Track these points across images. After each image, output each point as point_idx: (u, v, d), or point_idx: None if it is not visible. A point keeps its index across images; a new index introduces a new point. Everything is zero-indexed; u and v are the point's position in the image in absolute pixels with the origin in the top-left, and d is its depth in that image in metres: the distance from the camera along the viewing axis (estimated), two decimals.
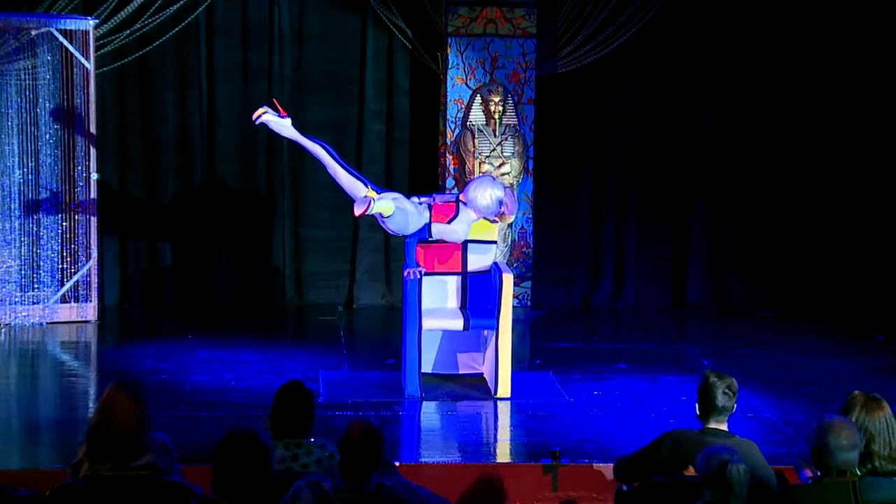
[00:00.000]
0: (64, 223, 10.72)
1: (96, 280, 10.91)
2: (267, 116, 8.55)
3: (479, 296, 8.94)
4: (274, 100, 8.73)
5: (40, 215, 10.66)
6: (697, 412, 5.54)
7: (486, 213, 8.62)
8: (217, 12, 11.68)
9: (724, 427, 5.48)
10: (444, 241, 8.77)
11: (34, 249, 10.66)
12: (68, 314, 10.79)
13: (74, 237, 10.76)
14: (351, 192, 8.57)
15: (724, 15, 11.94)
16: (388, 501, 4.67)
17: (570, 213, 12.19)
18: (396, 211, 8.34)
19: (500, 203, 8.58)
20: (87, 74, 10.69)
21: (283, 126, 8.62)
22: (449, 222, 8.57)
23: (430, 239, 8.67)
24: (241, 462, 4.37)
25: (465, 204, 8.63)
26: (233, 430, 4.49)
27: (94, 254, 10.86)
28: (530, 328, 11.09)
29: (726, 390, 5.47)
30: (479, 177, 8.74)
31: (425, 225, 8.55)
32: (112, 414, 4.67)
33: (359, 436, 4.73)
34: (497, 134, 11.52)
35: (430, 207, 8.58)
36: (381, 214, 8.34)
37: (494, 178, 8.84)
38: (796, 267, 12.19)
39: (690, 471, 5.30)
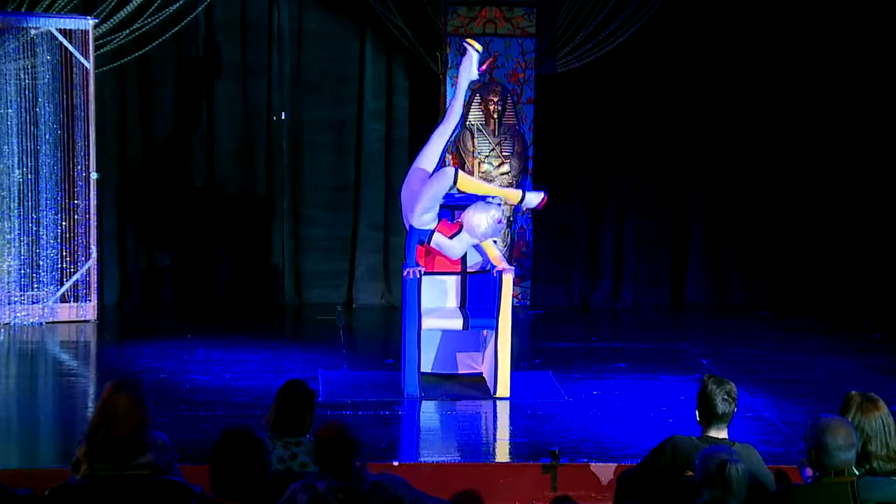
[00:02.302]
0: (63, 223, 10.72)
1: (96, 279, 10.91)
2: (474, 53, 8.42)
3: (478, 295, 8.95)
4: (494, 54, 8.50)
5: (40, 215, 10.66)
6: (698, 418, 5.53)
7: (487, 237, 8.61)
8: (216, 12, 11.69)
9: (724, 434, 5.46)
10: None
11: (34, 249, 10.67)
12: (68, 314, 10.80)
13: (74, 237, 10.76)
14: (423, 163, 8.50)
15: (722, 14, 11.95)
16: (384, 499, 4.69)
17: (569, 212, 12.20)
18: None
19: (499, 222, 8.54)
20: (86, 74, 10.70)
21: (470, 72, 8.47)
22: (451, 237, 8.57)
23: (427, 243, 8.67)
24: (237, 461, 4.38)
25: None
26: (228, 428, 4.50)
27: (94, 253, 10.86)
28: (530, 328, 11.10)
29: (726, 396, 5.45)
30: (474, 204, 8.63)
31: (429, 231, 8.56)
32: (112, 417, 4.65)
33: (333, 436, 4.73)
34: (496, 133, 11.53)
35: (439, 218, 8.59)
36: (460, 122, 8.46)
37: (488, 201, 8.68)
38: (794, 266, 12.21)
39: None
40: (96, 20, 10.84)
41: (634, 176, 12.18)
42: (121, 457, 4.63)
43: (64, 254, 10.74)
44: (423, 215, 8.46)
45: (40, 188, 10.66)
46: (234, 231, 11.90)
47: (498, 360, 8.47)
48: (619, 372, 9.35)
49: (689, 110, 12.14)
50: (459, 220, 8.59)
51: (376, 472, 4.86)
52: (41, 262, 10.68)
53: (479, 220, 8.45)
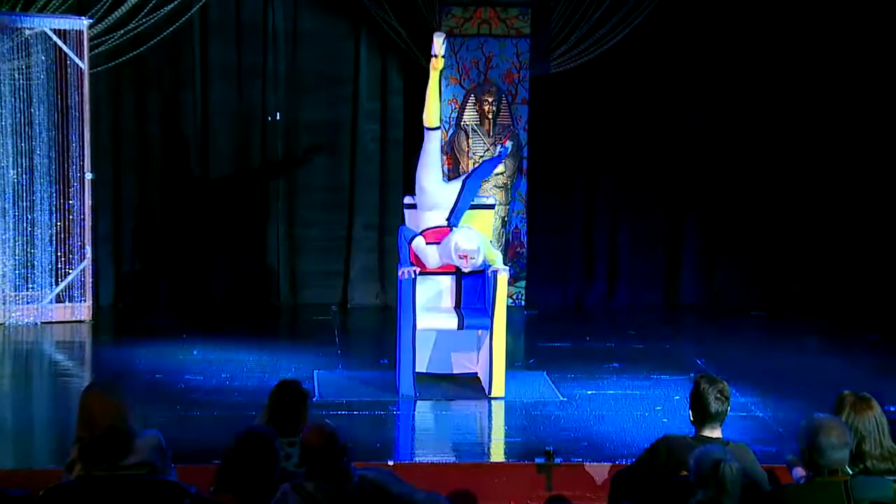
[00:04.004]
0: (58, 223, 10.72)
1: (90, 280, 10.91)
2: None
3: (473, 295, 8.96)
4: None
5: (34, 215, 10.66)
6: (691, 418, 5.54)
7: (443, 261, 8.64)
8: (211, 12, 11.68)
9: (718, 434, 5.47)
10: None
11: (28, 249, 10.66)
12: (62, 314, 10.79)
13: (68, 237, 10.76)
14: None
15: (717, 14, 11.96)
16: (374, 495, 4.71)
17: (563, 212, 12.21)
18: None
19: (457, 251, 8.47)
20: (81, 74, 10.69)
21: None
22: (427, 244, 8.61)
23: (409, 243, 8.67)
24: (255, 461, 4.49)
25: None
26: (251, 428, 4.71)
27: (88, 253, 10.86)
28: (524, 328, 11.11)
29: (718, 395, 5.45)
30: (464, 226, 8.67)
31: (414, 233, 8.63)
32: (90, 418, 4.69)
33: (321, 442, 4.77)
34: (491, 134, 11.54)
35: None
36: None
37: (471, 231, 8.60)
38: (789, 266, 12.21)
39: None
40: (91, 20, 10.83)
41: (629, 176, 12.18)
42: (110, 454, 4.64)
43: (58, 254, 10.74)
44: (428, 175, 8.69)
45: (35, 189, 10.65)
46: (229, 231, 11.89)
47: (493, 360, 8.49)
48: (614, 372, 9.36)
49: (684, 111, 12.14)
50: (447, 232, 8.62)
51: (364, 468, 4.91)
52: (36, 263, 10.67)
53: (452, 241, 8.44)
